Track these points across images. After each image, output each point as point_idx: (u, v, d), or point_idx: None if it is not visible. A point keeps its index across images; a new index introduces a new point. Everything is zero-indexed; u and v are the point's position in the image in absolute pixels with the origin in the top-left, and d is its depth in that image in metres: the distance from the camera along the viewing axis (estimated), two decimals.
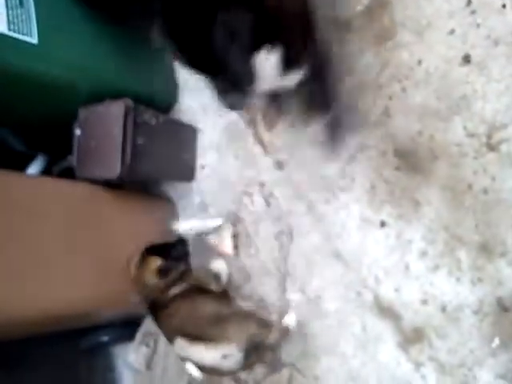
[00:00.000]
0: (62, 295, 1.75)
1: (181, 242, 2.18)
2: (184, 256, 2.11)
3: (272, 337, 1.79)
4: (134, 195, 2.23)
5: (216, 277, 2.02)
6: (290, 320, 1.92)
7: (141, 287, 1.94)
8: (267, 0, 1.20)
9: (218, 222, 2.18)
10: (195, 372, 1.79)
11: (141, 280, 1.94)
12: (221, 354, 1.72)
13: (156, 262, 1.96)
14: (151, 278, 1.93)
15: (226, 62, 1.22)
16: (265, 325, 1.85)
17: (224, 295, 2.01)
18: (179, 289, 1.93)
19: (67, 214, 1.88)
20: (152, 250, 2.00)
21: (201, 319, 1.82)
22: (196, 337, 1.77)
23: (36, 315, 1.67)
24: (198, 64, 1.29)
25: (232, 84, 1.30)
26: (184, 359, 1.82)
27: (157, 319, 1.94)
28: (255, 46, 1.25)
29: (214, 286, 1.96)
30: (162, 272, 1.93)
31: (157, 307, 1.94)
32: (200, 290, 1.95)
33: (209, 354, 1.75)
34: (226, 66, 1.23)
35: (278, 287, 2.02)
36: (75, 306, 1.81)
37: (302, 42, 1.43)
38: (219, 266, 2.08)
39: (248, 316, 1.88)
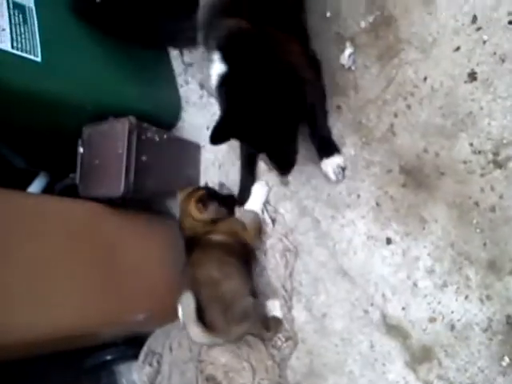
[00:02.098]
0: (65, 316, 1.72)
1: (231, 196, 2.20)
2: (229, 206, 2.13)
3: None
4: (137, 213, 2.22)
5: (275, 321, 2.02)
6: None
7: (182, 215, 2.05)
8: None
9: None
10: None
11: (183, 208, 2.04)
12: None
13: (200, 193, 2.03)
14: (191, 208, 2.00)
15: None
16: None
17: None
18: (220, 238, 1.97)
19: (69, 233, 1.86)
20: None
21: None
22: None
23: (38, 337, 1.64)
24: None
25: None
26: None
27: (189, 252, 1.99)
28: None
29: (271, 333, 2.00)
30: (201, 202, 1.99)
31: (195, 242, 1.99)
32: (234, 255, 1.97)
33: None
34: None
35: (284, 305, 2.00)
36: (78, 327, 1.78)
37: None
38: (275, 309, 2.05)
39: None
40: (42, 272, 1.70)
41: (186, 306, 1.77)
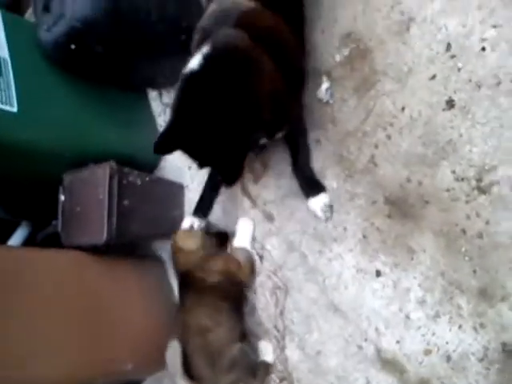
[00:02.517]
0: (54, 368, 1.67)
1: (224, 233, 2.15)
2: (221, 240, 2.09)
3: None
4: (122, 259, 2.18)
5: (264, 367, 1.94)
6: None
7: (173, 251, 2.01)
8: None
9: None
10: None
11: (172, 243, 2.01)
12: None
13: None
14: (178, 238, 2.01)
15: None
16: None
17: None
18: (215, 280, 1.91)
19: (53, 284, 1.81)
20: None
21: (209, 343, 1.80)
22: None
23: None
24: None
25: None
26: None
27: (183, 293, 1.96)
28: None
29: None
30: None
31: (189, 284, 1.94)
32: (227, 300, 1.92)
33: None
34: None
35: (277, 345, 1.96)
36: (68, 379, 1.73)
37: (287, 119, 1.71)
38: (267, 353, 2.00)
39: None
40: (28, 324, 1.65)
41: (172, 358, 1.73)
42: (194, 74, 1.46)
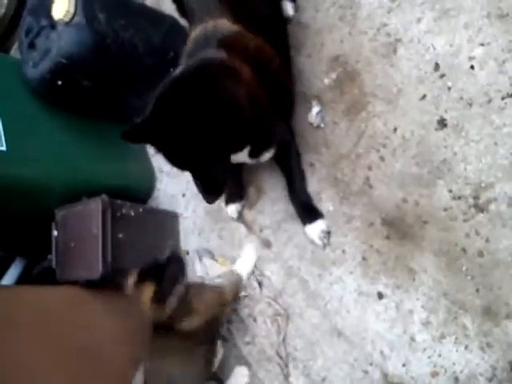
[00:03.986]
0: None
1: (174, 259, 2.03)
2: (180, 274, 1.95)
3: None
4: (117, 292, 2.14)
5: None
6: None
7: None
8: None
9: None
10: None
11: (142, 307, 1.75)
12: None
13: (150, 289, 1.73)
14: (149, 308, 1.72)
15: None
16: None
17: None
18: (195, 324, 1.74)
19: (48, 322, 1.79)
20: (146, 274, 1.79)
21: None
22: None
23: None
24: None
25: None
26: None
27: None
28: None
29: None
30: (158, 300, 1.71)
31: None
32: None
33: None
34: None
35: (281, 373, 1.93)
36: None
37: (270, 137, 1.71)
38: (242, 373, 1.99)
39: None
40: (24, 365, 1.62)
41: None
42: (176, 78, 1.48)
